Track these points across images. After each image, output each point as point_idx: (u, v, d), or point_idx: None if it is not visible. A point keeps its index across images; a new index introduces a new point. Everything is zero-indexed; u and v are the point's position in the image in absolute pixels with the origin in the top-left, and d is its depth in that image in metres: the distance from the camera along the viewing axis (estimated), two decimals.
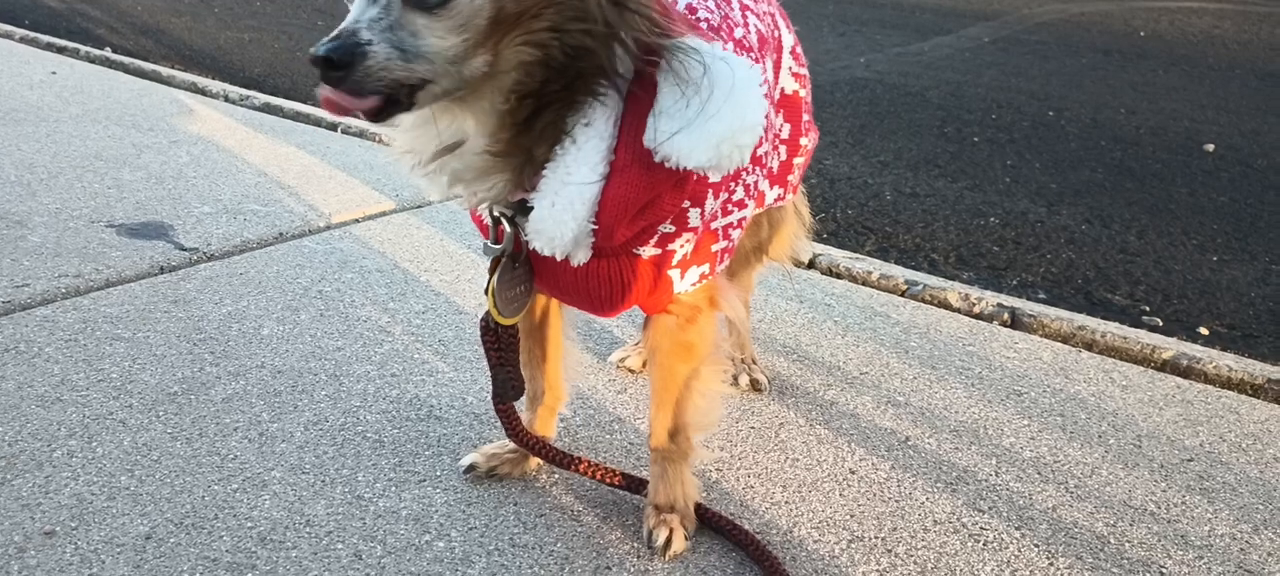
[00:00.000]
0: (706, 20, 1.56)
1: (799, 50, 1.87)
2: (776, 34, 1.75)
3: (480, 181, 1.40)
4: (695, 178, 1.41)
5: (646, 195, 1.38)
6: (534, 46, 1.30)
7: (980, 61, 7.09)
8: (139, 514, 1.71)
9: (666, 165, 1.34)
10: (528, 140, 1.37)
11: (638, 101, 1.37)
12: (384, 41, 1.23)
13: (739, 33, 1.61)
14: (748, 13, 1.68)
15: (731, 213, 1.57)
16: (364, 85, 1.23)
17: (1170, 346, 2.52)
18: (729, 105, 1.33)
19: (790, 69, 1.83)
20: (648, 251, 1.47)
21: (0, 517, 1.68)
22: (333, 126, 4.25)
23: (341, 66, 1.21)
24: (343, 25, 1.24)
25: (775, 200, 1.85)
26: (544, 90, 1.33)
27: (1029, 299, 2.98)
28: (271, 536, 1.67)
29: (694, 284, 1.56)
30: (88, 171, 3.40)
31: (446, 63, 1.26)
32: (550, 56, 1.31)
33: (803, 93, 1.84)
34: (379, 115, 1.26)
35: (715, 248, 1.56)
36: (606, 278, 1.49)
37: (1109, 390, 2.32)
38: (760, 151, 1.63)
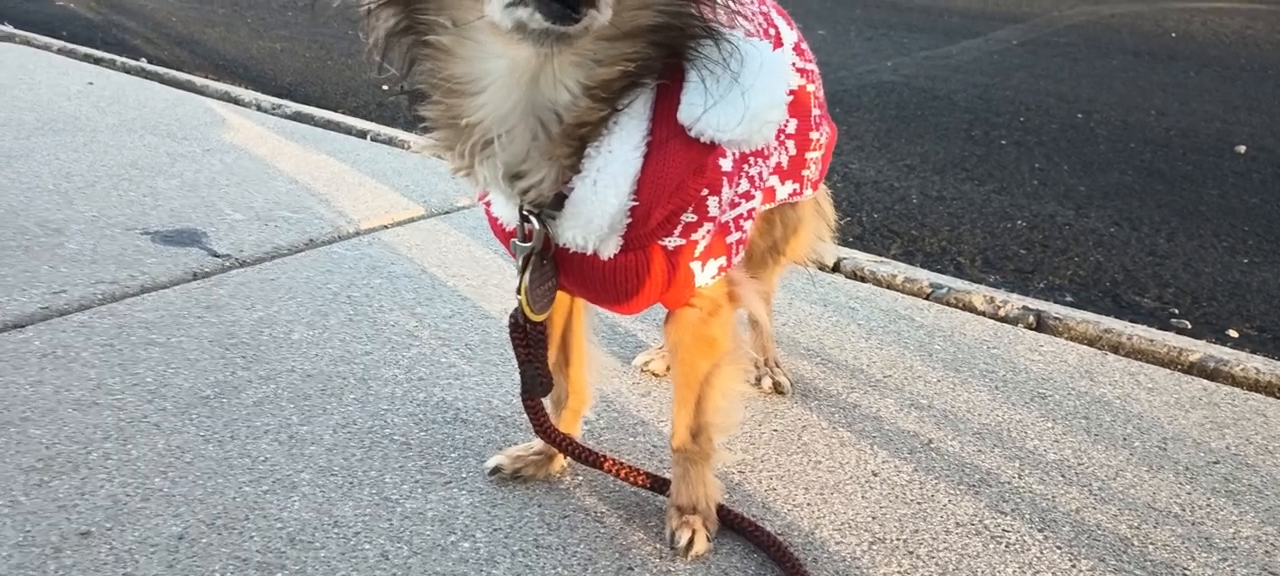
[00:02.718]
0: None
1: (803, 46, 1.88)
2: (773, 32, 1.76)
3: (534, 171, 1.44)
4: (712, 164, 1.46)
5: (683, 171, 1.44)
6: (656, 11, 1.36)
7: (1008, 64, 7.05)
8: (172, 514, 1.75)
9: (702, 139, 1.44)
10: (590, 125, 1.41)
11: (665, 86, 1.45)
12: None
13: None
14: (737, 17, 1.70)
15: (739, 205, 1.59)
16: None
17: (1197, 348, 2.50)
18: (760, 81, 1.45)
19: (794, 65, 1.84)
20: (672, 242, 1.50)
21: (38, 518, 1.72)
22: (362, 134, 4.31)
23: None
24: None
25: (790, 196, 1.86)
26: (643, 67, 1.40)
27: (1056, 302, 2.96)
28: (300, 537, 1.71)
29: (713, 277, 1.58)
30: (124, 180, 3.47)
31: None
32: (667, 27, 1.38)
33: (810, 87, 1.86)
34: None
35: (729, 239, 1.59)
36: (634, 270, 1.51)
37: (1134, 393, 2.31)
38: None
